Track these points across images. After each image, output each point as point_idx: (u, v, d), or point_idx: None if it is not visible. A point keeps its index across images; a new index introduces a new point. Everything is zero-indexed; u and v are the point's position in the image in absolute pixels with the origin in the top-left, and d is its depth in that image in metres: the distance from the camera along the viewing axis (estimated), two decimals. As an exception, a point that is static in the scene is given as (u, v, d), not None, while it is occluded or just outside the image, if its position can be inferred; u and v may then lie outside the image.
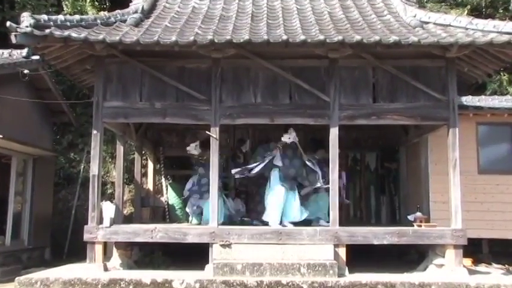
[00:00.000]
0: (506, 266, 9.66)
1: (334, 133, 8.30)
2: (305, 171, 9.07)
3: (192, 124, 9.35)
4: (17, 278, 7.63)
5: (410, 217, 8.86)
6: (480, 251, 10.19)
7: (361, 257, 8.33)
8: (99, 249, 8.10)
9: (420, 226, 8.45)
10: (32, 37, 7.53)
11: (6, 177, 11.04)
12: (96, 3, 15.65)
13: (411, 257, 9.61)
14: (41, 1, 15.78)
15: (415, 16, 9.02)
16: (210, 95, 8.36)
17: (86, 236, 8.14)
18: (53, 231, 12.48)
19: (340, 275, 7.58)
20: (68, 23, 8.05)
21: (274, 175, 8.85)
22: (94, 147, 8.36)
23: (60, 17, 8.17)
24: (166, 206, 11.44)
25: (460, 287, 7.24)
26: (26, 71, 10.07)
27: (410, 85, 8.40)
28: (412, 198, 10.33)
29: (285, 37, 7.71)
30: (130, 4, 9.97)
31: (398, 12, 9.54)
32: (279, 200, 8.68)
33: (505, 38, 7.67)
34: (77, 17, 8.53)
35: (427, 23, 8.77)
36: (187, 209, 9.97)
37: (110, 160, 13.76)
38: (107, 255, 8.49)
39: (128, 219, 11.11)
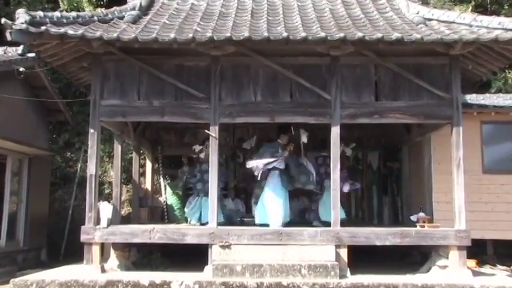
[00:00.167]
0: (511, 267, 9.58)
1: (335, 132, 8.24)
2: (297, 172, 9.04)
3: (191, 123, 9.33)
4: (12, 280, 7.58)
5: (413, 217, 8.82)
6: (484, 252, 10.17)
7: (363, 258, 8.30)
8: (96, 250, 8.05)
9: (423, 227, 8.40)
10: (28, 34, 7.46)
11: (1, 177, 11.03)
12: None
13: (414, 258, 9.59)
14: (36, -3, 15.71)
15: (418, 13, 8.97)
16: (210, 93, 8.30)
17: (83, 237, 8.08)
18: (49, 231, 12.45)
19: (342, 276, 7.53)
20: (65, 20, 8.00)
21: (275, 176, 8.77)
22: (91, 146, 8.30)
23: (57, 13, 8.11)
24: (164, 206, 11.41)
25: (464, 289, 7.17)
26: (21, 69, 10.01)
27: (413, 83, 8.33)
28: (415, 198, 10.29)
29: (285, 34, 7.64)
30: (127, 1, 9.89)
31: (401, 9, 9.51)
32: (281, 202, 8.64)
33: (510, 34, 7.60)
34: (74, 13, 8.48)
35: (430, 19, 8.72)
36: (185, 209, 9.89)
37: (108, 159, 13.77)
38: (104, 256, 8.45)
39: (126, 220, 11.09)
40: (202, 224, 8.94)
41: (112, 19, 8.62)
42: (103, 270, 8.02)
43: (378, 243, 8.03)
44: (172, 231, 8.17)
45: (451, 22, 8.47)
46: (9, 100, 10.10)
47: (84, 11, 13.51)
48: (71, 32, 7.57)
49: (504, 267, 9.54)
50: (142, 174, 11.80)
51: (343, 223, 8.26)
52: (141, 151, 11.66)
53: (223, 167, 10.30)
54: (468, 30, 8.04)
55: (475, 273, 8.00)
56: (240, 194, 10.91)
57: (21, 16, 7.48)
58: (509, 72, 14.31)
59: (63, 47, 8.13)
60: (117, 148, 10.04)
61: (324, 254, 7.82)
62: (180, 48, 7.88)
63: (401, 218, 10.87)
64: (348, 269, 7.82)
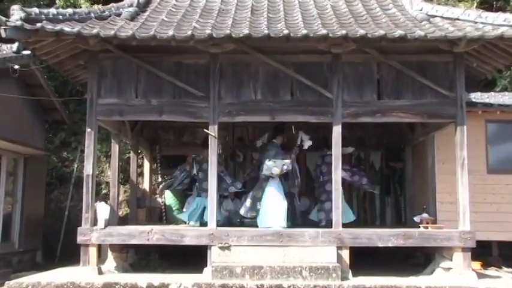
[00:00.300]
0: (517, 269, 9.53)
1: (337, 131, 8.19)
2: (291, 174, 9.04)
3: (190, 122, 9.27)
4: (6, 283, 7.52)
5: (417, 218, 8.78)
6: (489, 253, 10.05)
7: (365, 259, 8.26)
8: (93, 251, 8.03)
9: (427, 228, 8.35)
10: (23, 31, 7.41)
11: (-4, 177, 10.95)
12: (90, -4, 15.41)
13: (417, 260, 9.54)
14: (32, -7, 15.57)
15: (421, 9, 8.91)
16: (209, 92, 8.24)
17: (80, 238, 8.04)
18: (44, 233, 12.36)
19: (344, 278, 7.49)
20: (61, 17, 7.98)
21: (276, 178, 8.76)
22: (88, 145, 8.26)
23: (52, 10, 8.13)
24: (163, 207, 11.33)
25: (469, 292, 7.16)
26: (16, 67, 9.98)
27: (416, 81, 8.27)
28: (418, 199, 10.24)
29: (286, 31, 7.58)
30: (125, -3, 9.82)
31: (404, 5, 9.45)
32: (282, 204, 8.61)
33: (516, 31, 7.54)
34: (70, 10, 8.48)
35: (434, 16, 8.65)
36: (184, 210, 9.88)
37: (105, 159, 13.72)
38: (101, 258, 8.41)
39: (123, 221, 11.09)
40: (202, 225, 8.86)
41: (109, 16, 8.60)
42: (100, 272, 7.98)
43: (380, 244, 7.99)
44: (170, 232, 8.13)
45: (456, 19, 8.42)
46: (4, 99, 10.01)
47: (80, 7, 13.36)
48: (67, 29, 7.53)
49: (510, 270, 9.44)
50: (140, 174, 11.80)
51: (351, 224, 8.16)
52: (139, 151, 11.66)
53: (223, 166, 10.19)
54: (473, 27, 7.98)
55: (480, 276, 7.94)
56: (240, 195, 10.77)
57: (16, 12, 7.45)
58: (515, 70, 14.17)
59: (59, 44, 8.08)
60: (115, 147, 10.00)
61: (325, 256, 7.77)
62: (178, 46, 7.83)
63: (404, 219, 10.84)
64: (350, 271, 7.78)
